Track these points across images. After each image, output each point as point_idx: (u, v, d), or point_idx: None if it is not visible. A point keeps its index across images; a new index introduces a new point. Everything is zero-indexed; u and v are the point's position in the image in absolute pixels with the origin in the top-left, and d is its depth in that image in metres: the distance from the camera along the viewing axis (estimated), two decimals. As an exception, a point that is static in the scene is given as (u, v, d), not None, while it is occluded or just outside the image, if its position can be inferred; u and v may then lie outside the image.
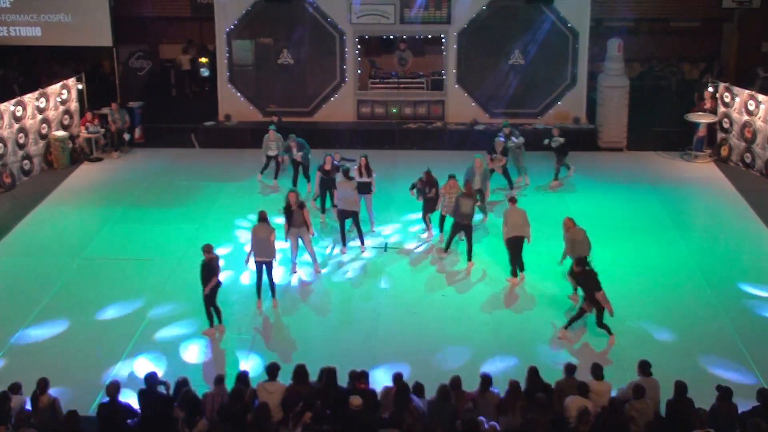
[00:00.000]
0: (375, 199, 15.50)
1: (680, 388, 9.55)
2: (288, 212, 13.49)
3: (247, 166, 18.46)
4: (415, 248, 14.85)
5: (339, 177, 14.84)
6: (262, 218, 12.72)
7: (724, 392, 9.51)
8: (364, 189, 15.05)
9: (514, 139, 17.23)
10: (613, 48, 19.85)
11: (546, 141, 17.49)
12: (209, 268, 11.85)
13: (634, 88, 20.02)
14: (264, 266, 12.70)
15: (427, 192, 14.79)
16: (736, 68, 22.08)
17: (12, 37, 20.28)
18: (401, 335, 12.22)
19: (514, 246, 13.33)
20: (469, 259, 14.16)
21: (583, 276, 11.77)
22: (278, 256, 13.19)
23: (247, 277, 13.59)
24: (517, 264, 13.45)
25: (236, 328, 12.35)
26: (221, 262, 12.21)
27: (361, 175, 14.96)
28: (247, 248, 13.00)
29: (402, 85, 20.88)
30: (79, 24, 20.11)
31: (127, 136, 19.81)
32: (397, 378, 9.81)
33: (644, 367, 10.05)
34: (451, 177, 14.66)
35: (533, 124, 20.01)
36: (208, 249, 11.88)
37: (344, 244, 14.72)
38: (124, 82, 21.26)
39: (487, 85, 20.44)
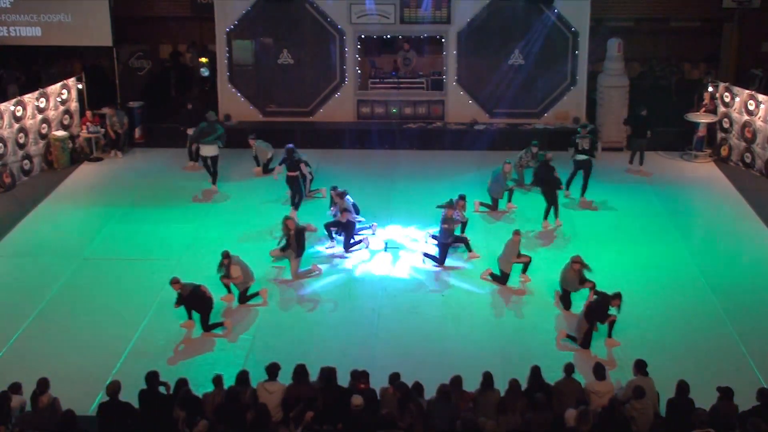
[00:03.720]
0: (375, 199, 15.52)
1: (682, 387, 9.56)
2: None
3: (247, 166, 18.45)
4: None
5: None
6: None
7: (725, 392, 9.52)
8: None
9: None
10: (613, 48, 19.84)
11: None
12: (195, 299, 12.03)
13: (633, 88, 20.03)
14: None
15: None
16: (736, 68, 22.06)
17: (12, 37, 20.26)
18: (401, 335, 12.22)
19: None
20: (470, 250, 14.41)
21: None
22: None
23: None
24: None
25: (237, 328, 12.37)
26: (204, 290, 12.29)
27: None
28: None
29: (402, 85, 20.88)
30: (79, 24, 20.07)
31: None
32: (394, 378, 9.81)
33: (641, 367, 10.06)
34: (461, 197, 14.72)
35: (533, 124, 19.99)
36: (175, 281, 12.09)
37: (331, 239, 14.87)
38: (124, 82, 21.25)
39: (487, 85, 20.42)
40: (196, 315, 12.16)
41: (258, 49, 20.62)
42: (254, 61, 20.70)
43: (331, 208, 15.23)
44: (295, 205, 15.78)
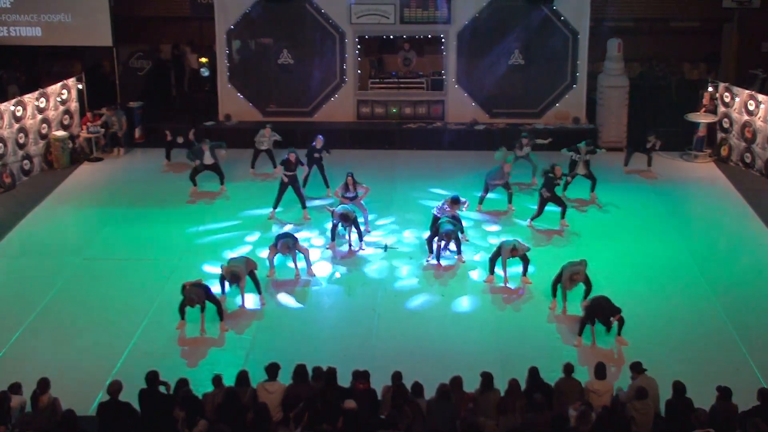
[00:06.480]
0: (375, 198, 15.50)
1: (678, 388, 9.56)
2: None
3: (246, 166, 18.46)
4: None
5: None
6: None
7: (724, 392, 9.52)
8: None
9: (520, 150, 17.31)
10: (613, 48, 19.85)
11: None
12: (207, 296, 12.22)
13: (633, 88, 20.02)
14: None
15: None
16: (736, 68, 22.06)
17: (12, 37, 20.28)
18: (401, 335, 12.22)
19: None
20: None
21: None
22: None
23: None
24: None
25: (236, 328, 12.38)
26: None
27: (347, 190, 15.03)
28: None
29: (402, 85, 20.88)
30: (79, 24, 20.09)
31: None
32: (396, 378, 9.81)
33: (637, 368, 10.06)
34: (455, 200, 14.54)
35: (533, 124, 20.00)
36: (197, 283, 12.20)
37: (333, 239, 14.83)
38: (124, 82, 21.26)
39: (487, 85, 20.43)
40: (189, 316, 12.12)
41: (258, 49, 20.62)
42: (254, 61, 20.71)
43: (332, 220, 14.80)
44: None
